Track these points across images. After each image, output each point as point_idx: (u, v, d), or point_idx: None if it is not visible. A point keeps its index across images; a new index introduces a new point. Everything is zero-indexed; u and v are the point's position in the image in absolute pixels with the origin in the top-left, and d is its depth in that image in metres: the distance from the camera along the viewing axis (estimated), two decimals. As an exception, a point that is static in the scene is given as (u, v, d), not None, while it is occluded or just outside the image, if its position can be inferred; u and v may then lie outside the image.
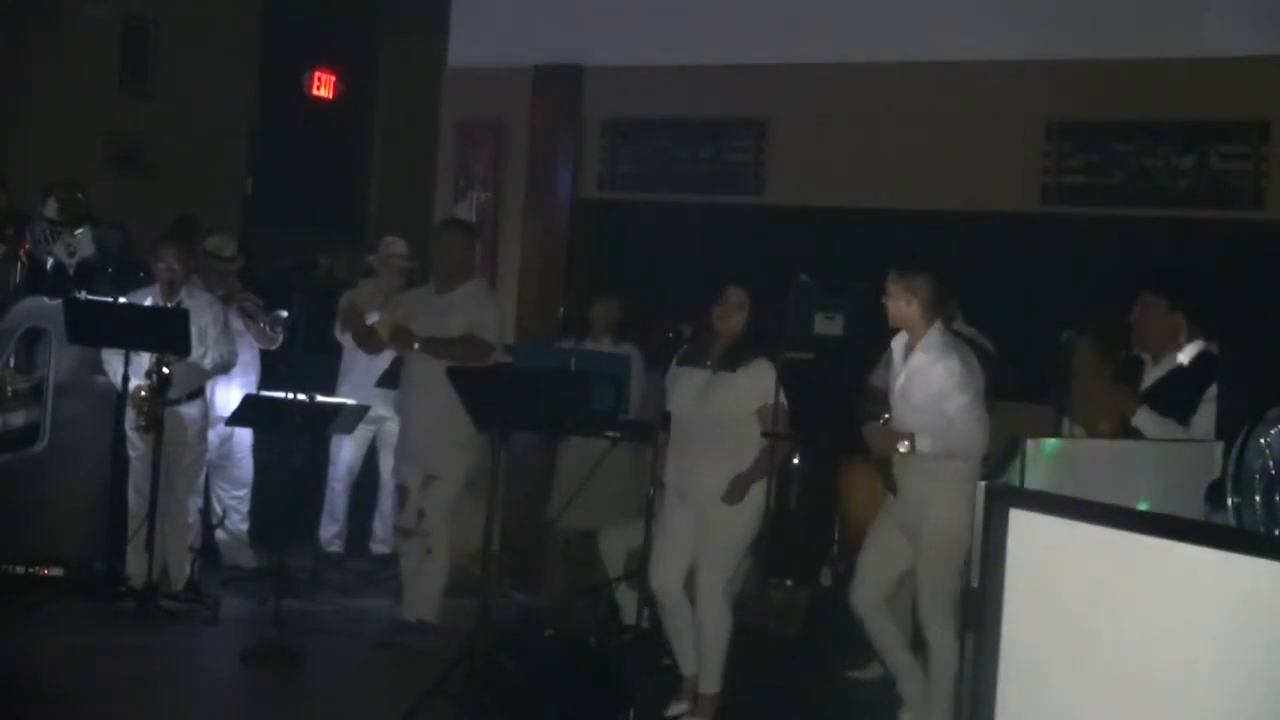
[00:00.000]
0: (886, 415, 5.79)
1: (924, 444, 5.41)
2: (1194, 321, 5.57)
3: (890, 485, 5.58)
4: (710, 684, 5.80)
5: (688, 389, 5.88)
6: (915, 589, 5.62)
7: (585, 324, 8.05)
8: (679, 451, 5.90)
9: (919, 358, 5.54)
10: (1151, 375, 5.55)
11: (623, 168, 8.90)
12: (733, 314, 5.84)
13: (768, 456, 5.71)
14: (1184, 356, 5.48)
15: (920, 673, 5.61)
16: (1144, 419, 5.26)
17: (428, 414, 6.56)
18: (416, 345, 6.66)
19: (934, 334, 5.57)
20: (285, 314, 7.93)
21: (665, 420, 6.07)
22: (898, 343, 5.71)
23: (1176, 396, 5.34)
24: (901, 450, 5.43)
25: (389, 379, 7.74)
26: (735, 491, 5.72)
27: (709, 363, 5.85)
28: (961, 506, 5.30)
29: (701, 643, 5.80)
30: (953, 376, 5.46)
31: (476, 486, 6.50)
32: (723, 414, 5.75)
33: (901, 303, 5.56)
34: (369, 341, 7.28)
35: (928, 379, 5.50)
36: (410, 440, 6.86)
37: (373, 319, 7.32)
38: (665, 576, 5.90)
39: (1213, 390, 5.28)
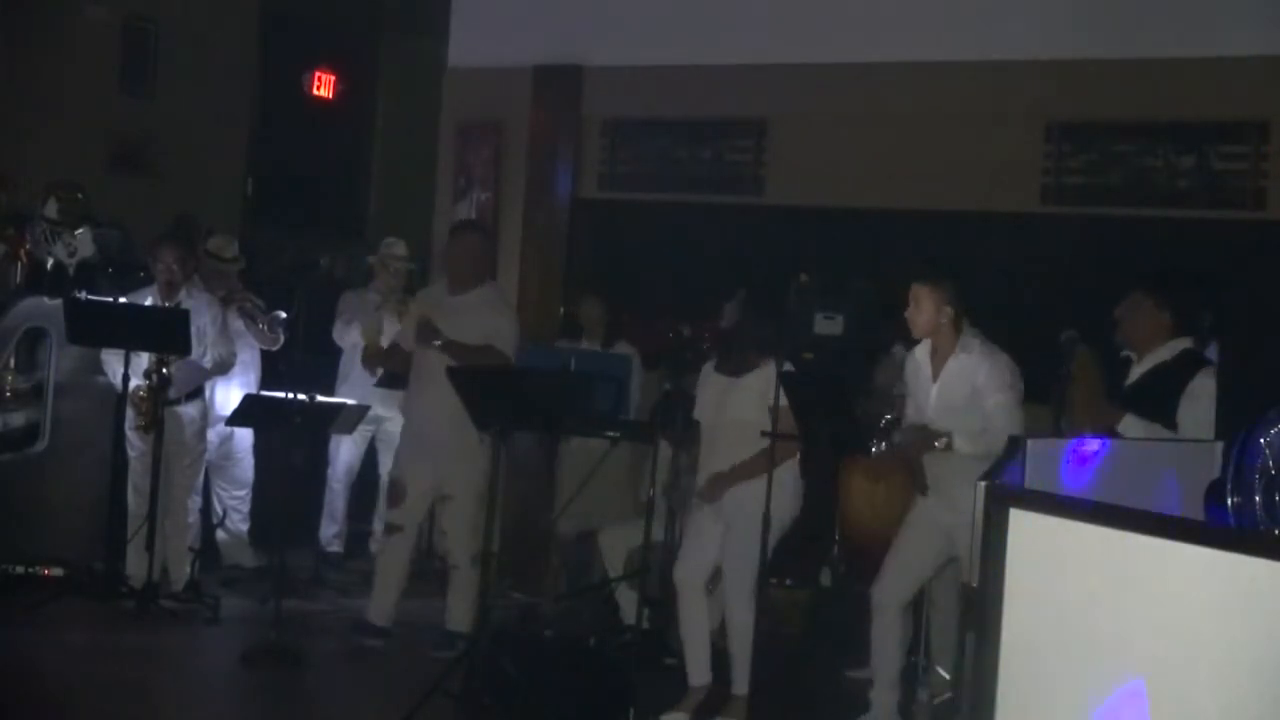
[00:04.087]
0: (889, 416, 5.79)
1: (961, 444, 5.43)
2: (1188, 321, 5.56)
3: (921, 486, 5.58)
4: (742, 685, 5.81)
5: (710, 395, 6.00)
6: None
7: (578, 325, 8.05)
8: (705, 456, 6.00)
9: (960, 361, 5.54)
10: (1135, 373, 5.55)
11: (623, 168, 8.88)
12: (729, 319, 5.95)
13: (760, 459, 5.69)
14: (1167, 354, 5.48)
15: (898, 689, 5.73)
16: (1129, 426, 5.27)
17: (436, 416, 6.46)
18: (438, 342, 6.52)
19: (968, 338, 5.57)
20: (284, 315, 7.92)
21: (683, 426, 6.14)
22: (922, 352, 5.70)
23: (1159, 394, 5.34)
24: (938, 447, 5.45)
25: (389, 379, 7.73)
26: (711, 488, 5.82)
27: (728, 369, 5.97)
28: None
29: (733, 645, 5.82)
30: (1002, 374, 5.48)
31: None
32: (738, 416, 5.81)
33: (935, 313, 5.55)
34: (388, 360, 7.27)
35: (970, 380, 5.51)
36: (417, 440, 6.74)
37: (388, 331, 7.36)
38: (687, 570, 5.97)
39: (1192, 386, 5.28)
